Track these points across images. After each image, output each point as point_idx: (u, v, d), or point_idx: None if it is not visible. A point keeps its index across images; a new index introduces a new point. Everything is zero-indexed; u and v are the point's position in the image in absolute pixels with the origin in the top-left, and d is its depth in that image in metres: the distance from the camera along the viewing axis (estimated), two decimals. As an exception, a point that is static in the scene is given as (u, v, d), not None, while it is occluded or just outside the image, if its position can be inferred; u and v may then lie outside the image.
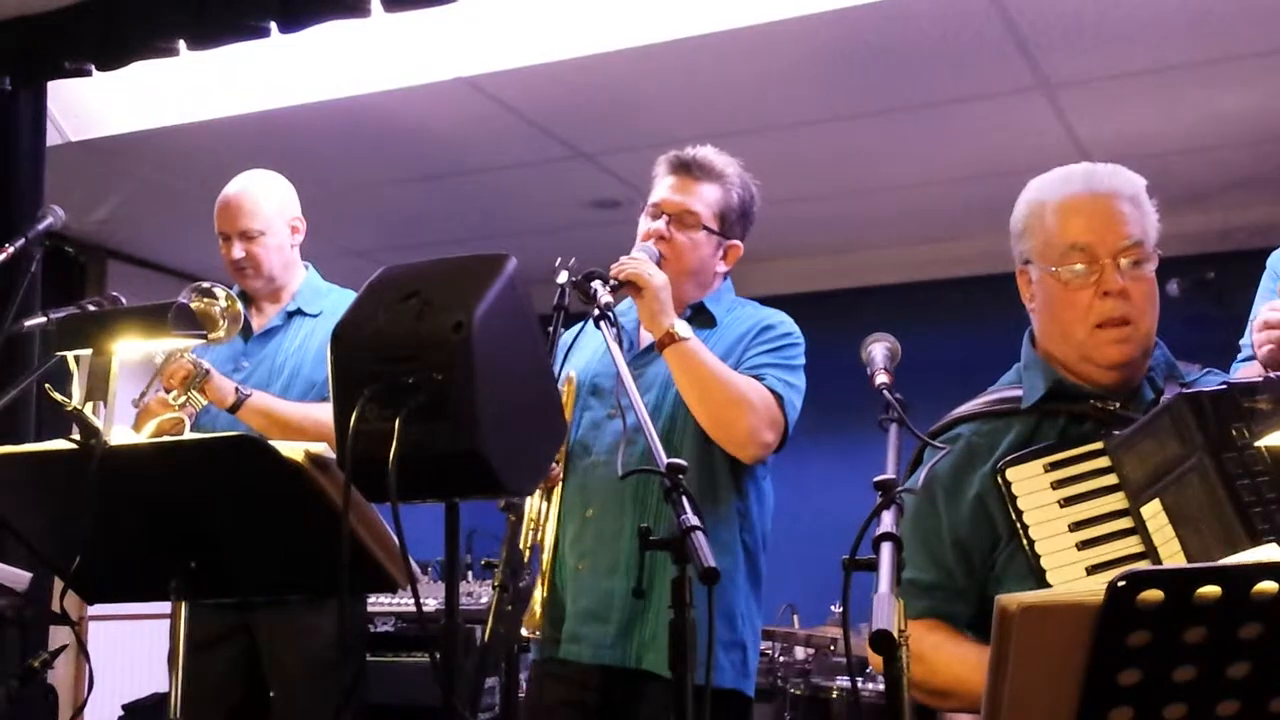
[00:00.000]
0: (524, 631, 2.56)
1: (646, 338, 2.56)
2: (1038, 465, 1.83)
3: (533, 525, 2.53)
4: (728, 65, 4.20)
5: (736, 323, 2.66)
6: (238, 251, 3.10)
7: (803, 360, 2.63)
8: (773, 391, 2.52)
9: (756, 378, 2.52)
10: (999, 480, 1.83)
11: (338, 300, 3.22)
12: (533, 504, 2.52)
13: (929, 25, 3.94)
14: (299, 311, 3.19)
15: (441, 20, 3.93)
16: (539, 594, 2.54)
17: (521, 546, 2.53)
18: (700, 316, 2.66)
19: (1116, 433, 1.81)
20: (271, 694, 2.98)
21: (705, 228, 2.63)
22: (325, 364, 3.02)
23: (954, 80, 4.33)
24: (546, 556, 2.57)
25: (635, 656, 2.45)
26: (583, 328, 2.42)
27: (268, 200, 3.16)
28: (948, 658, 1.83)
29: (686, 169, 2.65)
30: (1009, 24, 3.90)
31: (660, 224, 2.61)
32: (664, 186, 2.66)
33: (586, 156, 4.90)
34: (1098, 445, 1.82)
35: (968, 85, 4.37)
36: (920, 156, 5.08)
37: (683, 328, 2.46)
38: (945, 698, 1.86)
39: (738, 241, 2.71)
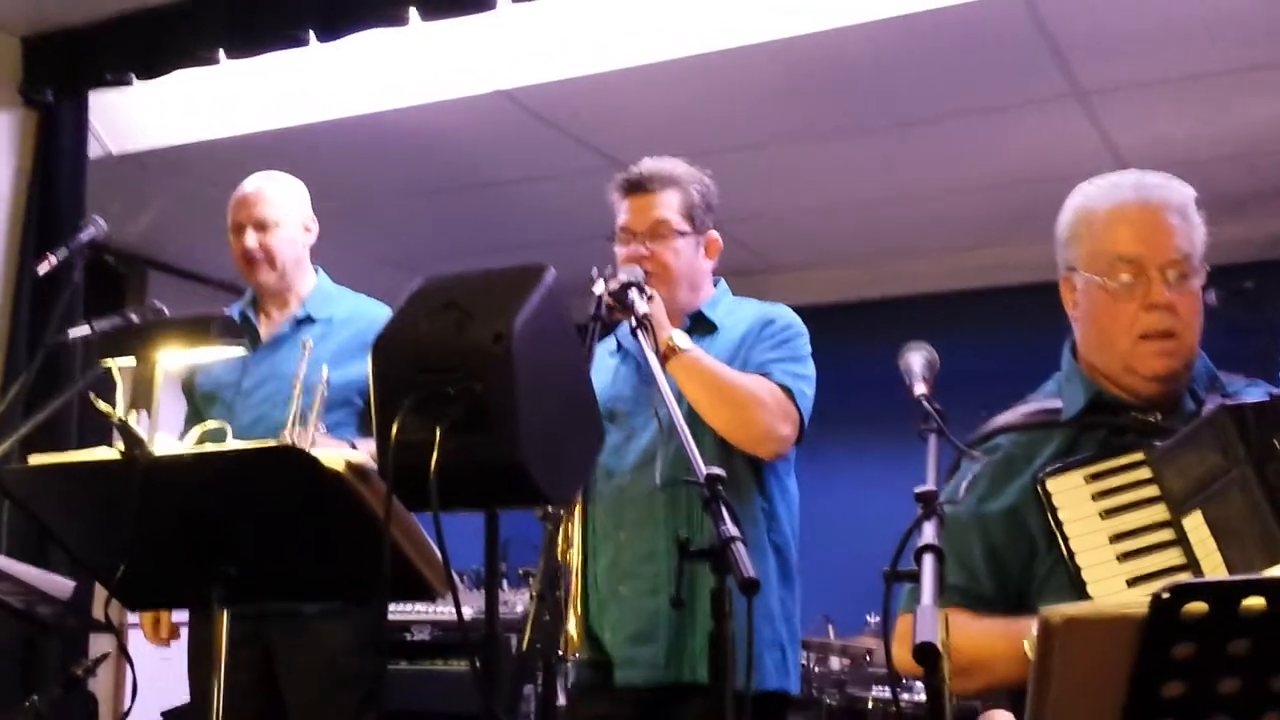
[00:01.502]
0: (563, 654, 2.56)
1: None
2: (1078, 476, 1.81)
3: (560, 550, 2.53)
4: (762, 77, 4.21)
5: (737, 324, 2.67)
6: (251, 240, 3.07)
7: (808, 350, 2.63)
8: (781, 386, 2.52)
9: (764, 375, 2.53)
10: (1039, 491, 1.82)
11: (351, 306, 3.19)
12: (560, 527, 2.52)
13: (963, 34, 3.92)
14: (308, 319, 3.15)
15: (478, 34, 3.96)
16: (574, 620, 2.54)
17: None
18: (700, 325, 2.67)
19: (1158, 444, 1.80)
20: (288, 703, 2.99)
21: (679, 232, 2.64)
22: (340, 377, 2.96)
23: (989, 89, 4.31)
24: (575, 581, 2.56)
25: (689, 670, 2.45)
26: (591, 354, 2.41)
27: (284, 195, 3.16)
28: (970, 632, 1.80)
29: (639, 186, 2.67)
30: (1044, 32, 3.89)
31: (636, 246, 2.63)
32: (624, 210, 2.68)
33: (622, 167, 4.91)
34: (1139, 456, 1.80)
35: (1002, 93, 4.35)
36: (955, 165, 5.06)
37: (682, 339, 2.47)
38: (969, 676, 1.82)
39: (712, 233, 2.72)
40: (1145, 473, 1.79)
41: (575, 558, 2.56)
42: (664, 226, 2.63)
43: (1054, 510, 1.80)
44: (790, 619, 2.58)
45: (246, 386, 3.04)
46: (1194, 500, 1.72)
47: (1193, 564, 1.71)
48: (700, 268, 2.70)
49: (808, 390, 2.57)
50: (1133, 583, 1.73)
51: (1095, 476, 1.81)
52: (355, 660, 2.98)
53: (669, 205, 2.64)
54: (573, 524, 2.57)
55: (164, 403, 2.04)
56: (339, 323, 3.13)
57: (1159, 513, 1.76)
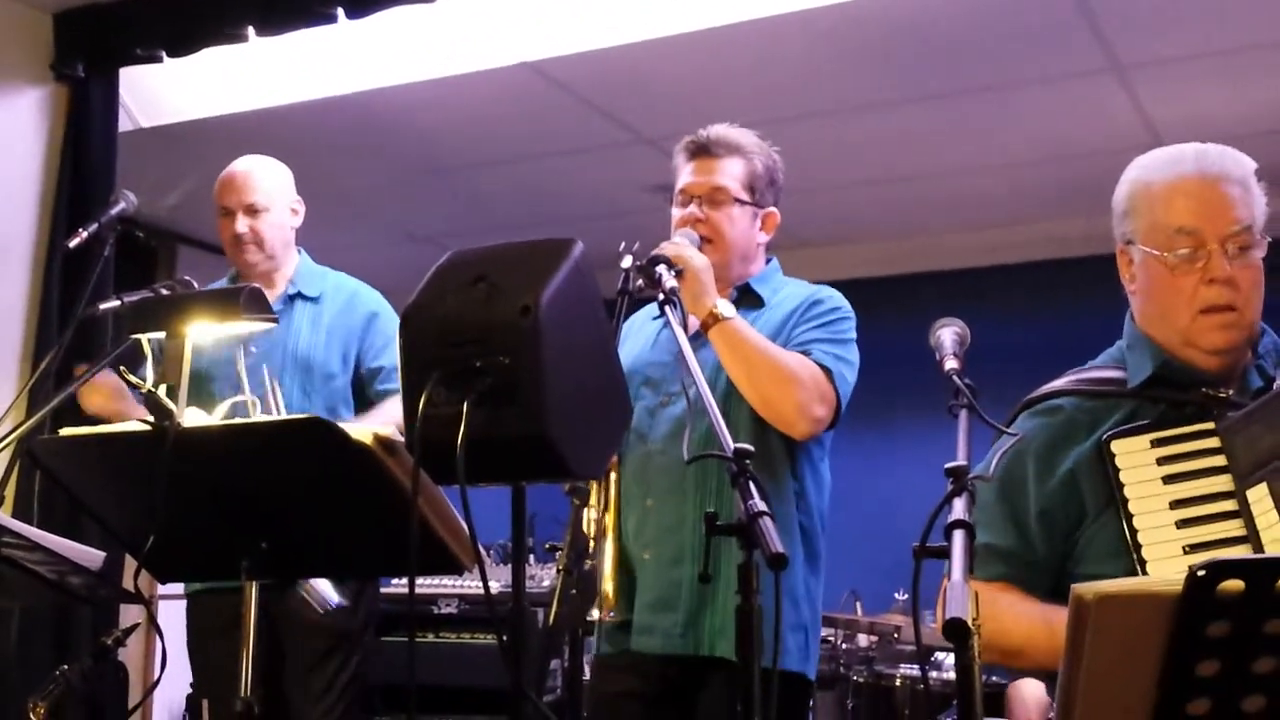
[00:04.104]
0: (595, 614, 2.55)
1: (693, 324, 2.54)
2: (1144, 440, 1.79)
3: (592, 512, 2.52)
4: (792, 48, 4.18)
5: (785, 301, 2.64)
6: (241, 226, 3.14)
7: (853, 334, 2.61)
8: (821, 366, 2.49)
9: (805, 353, 2.50)
10: (1103, 451, 1.80)
11: (336, 283, 3.29)
12: (592, 490, 2.51)
13: (999, 6, 3.88)
14: (299, 295, 3.23)
15: (504, 5, 3.94)
16: (609, 578, 2.53)
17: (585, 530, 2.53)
18: (747, 298, 2.65)
19: (1231, 414, 1.77)
20: (286, 663, 3.05)
21: (737, 200, 2.62)
22: (338, 354, 3.14)
23: (1023, 62, 4.27)
24: (610, 542, 2.55)
25: (708, 644, 2.45)
26: (629, 318, 2.39)
27: (271, 179, 3.22)
28: (1018, 614, 1.81)
29: (705, 150, 2.64)
30: (1080, 4, 3.84)
31: (693, 208, 2.61)
32: (687, 172, 2.65)
33: (649, 141, 4.90)
34: (1209, 425, 1.78)
35: (1037, 67, 4.31)
36: (988, 139, 5.02)
37: (726, 307, 2.44)
38: (1016, 657, 1.84)
39: (773, 209, 2.69)
40: (1213, 442, 1.77)
41: (610, 519, 2.55)
42: (723, 194, 2.61)
43: (1116, 471, 1.78)
44: (814, 602, 2.57)
45: (249, 364, 3.06)
46: (1260, 472, 1.69)
47: (1253, 536, 1.69)
48: (754, 240, 2.68)
49: (848, 374, 2.54)
50: (1189, 550, 1.71)
51: (1161, 442, 1.79)
52: (351, 626, 3.06)
53: (731, 173, 2.62)
54: (608, 486, 2.56)
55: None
56: (327, 298, 3.24)
57: (1223, 482, 1.74)
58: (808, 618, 2.54)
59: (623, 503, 2.58)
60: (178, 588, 3.25)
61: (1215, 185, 1.84)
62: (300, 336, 3.16)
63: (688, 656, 2.46)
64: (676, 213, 2.64)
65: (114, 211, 3.10)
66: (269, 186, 3.20)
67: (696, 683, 2.48)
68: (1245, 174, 1.86)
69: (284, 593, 2.96)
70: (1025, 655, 1.82)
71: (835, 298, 2.64)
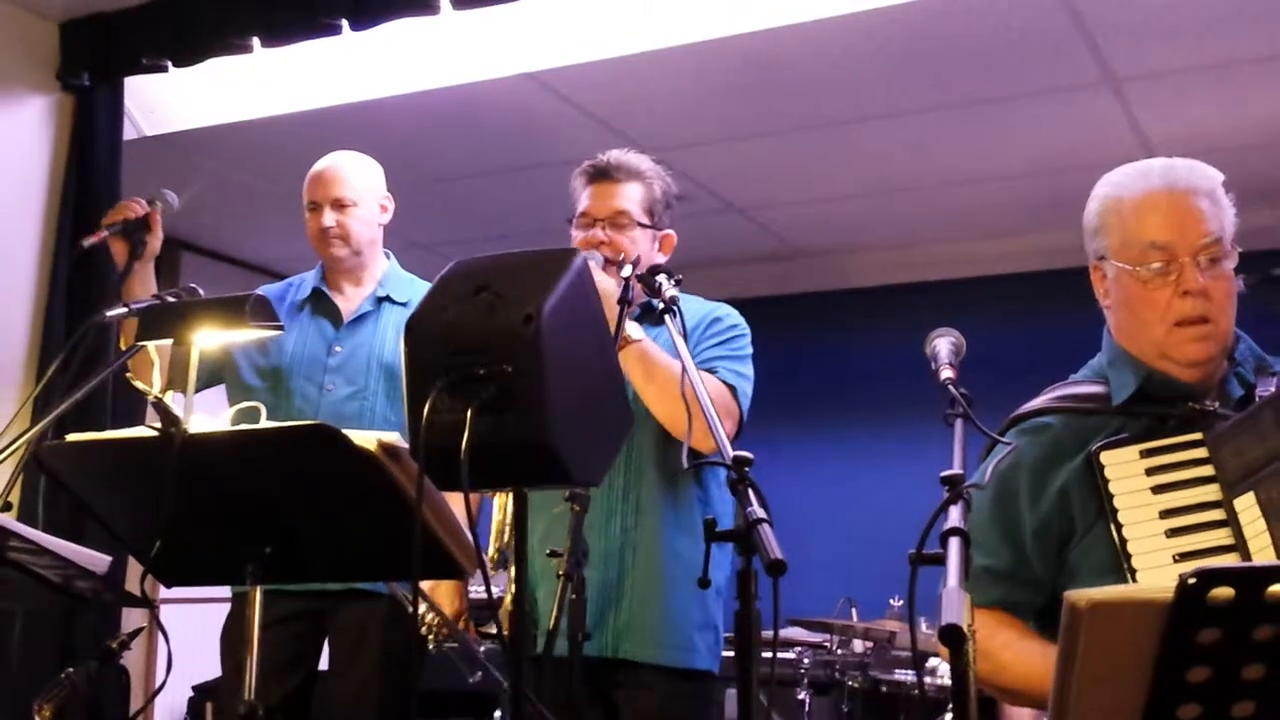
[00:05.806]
0: (491, 629, 2.59)
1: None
2: (1133, 451, 1.82)
3: (501, 527, 2.56)
4: (790, 61, 4.20)
5: (685, 318, 2.70)
6: (328, 219, 3.08)
7: (750, 350, 2.71)
8: (726, 384, 2.59)
9: (710, 371, 2.58)
10: (1093, 463, 1.82)
11: (422, 291, 3.17)
12: (500, 503, 2.57)
13: (994, 19, 3.91)
14: (388, 298, 3.16)
15: (507, 16, 3.97)
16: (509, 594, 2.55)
17: (498, 548, 2.58)
18: (649, 316, 2.70)
19: (1219, 424, 1.79)
20: (334, 684, 3.00)
21: (639, 224, 2.70)
22: None
23: (1019, 75, 4.29)
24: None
25: (612, 646, 2.51)
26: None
27: (362, 174, 3.16)
28: (1014, 655, 1.83)
29: (606, 174, 2.72)
30: (1075, 18, 3.87)
31: (596, 231, 2.67)
32: (587, 196, 2.73)
33: (649, 153, 4.91)
34: (1196, 435, 1.80)
35: (1033, 80, 4.33)
36: (984, 151, 5.04)
37: (634, 329, 2.52)
38: (1012, 695, 1.88)
39: (669, 231, 2.78)
40: (1201, 452, 1.79)
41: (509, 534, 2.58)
42: (624, 217, 2.69)
43: (1106, 482, 1.81)
44: (723, 602, 2.63)
45: (333, 364, 3.06)
46: (1248, 481, 1.71)
47: (1241, 545, 1.71)
48: (654, 261, 2.73)
49: (748, 389, 2.65)
50: (1179, 559, 1.73)
51: (1150, 452, 1.81)
52: (406, 655, 2.99)
53: (632, 197, 2.71)
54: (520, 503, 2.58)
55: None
56: (415, 306, 3.14)
57: (1211, 492, 1.77)
58: (716, 617, 2.62)
59: (529, 511, 2.60)
60: (184, 592, 3.25)
61: (1184, 199, 1.86)
62: (386, 342, 3.09)
63: (596, 659, 2.49)
64: (578, 235, 2.71)
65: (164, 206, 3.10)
66: (358, 182, 3.14)
67: (610, 683, 2.54)
68: (1213, 186, 1.89)
69: (349, 607, 2.95)
70: (1022, 695, 1.86)
71: (733, 315, 2.74)
